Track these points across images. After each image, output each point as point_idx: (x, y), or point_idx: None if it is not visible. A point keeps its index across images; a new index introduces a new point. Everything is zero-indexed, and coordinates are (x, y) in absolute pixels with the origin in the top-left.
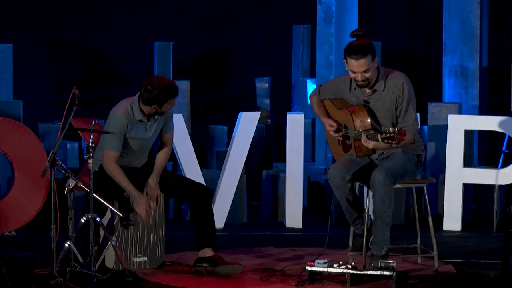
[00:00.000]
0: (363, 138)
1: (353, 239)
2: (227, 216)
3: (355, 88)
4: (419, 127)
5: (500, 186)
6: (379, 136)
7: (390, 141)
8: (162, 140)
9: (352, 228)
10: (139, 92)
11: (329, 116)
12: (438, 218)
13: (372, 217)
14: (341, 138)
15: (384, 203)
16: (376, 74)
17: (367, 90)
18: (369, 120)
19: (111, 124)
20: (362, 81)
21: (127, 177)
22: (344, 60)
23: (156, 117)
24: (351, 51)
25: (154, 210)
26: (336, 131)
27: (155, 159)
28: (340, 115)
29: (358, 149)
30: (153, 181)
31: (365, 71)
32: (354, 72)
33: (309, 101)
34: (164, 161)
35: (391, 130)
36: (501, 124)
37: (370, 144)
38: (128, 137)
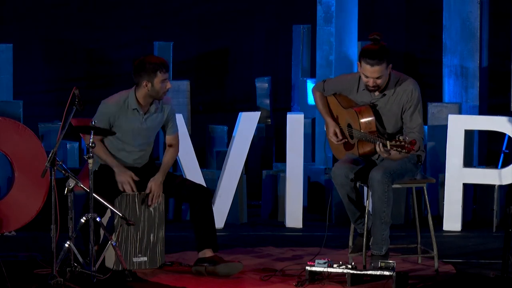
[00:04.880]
0: (377, 148)
1: (353, 239)
2: (227, 216)
3: (363, 89)
4: (424, 131)
5: (500, 186)
6: (388, 142)
7: (399, 149)
8: (167, 142)
9: (352, 228)
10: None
11: (332, 113)
12: (438, 218)
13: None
14: (343, 141)
15: (383, 202)
16: (387, 79)
17: (376, 93)
18: (374, 122)
19: (99, 109)
20: (373, 86)
21: (108, 152)
22: (358, 62)
23: (152, 109)
24: (368, 55)
25: (154, 210)
26: (339, 140)
27: (160, 159)
28: (345, 114)
29: (362, 149)
30: (159, 178)
31: (378, 77)
32: (367, 77)
33: (310, 95)
34: (171, 160)
35: (401, 138)
36: (501, 124)
37: (385, 154)
38: (120, 126)
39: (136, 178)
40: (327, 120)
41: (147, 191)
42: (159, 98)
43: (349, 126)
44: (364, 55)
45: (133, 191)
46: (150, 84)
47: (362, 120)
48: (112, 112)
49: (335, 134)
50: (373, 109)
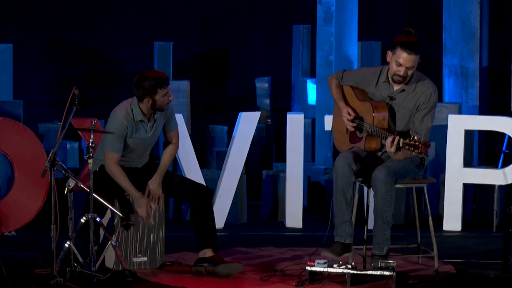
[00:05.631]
0: (389, 140)
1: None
2: (227, 216)
3: (383, 81)
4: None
5: (500, 186)
6: (401, 140)
7: (412, 148)
8: (167, 139)
9: (350, 227)
10: None
11: (346, 103)
12: (438, 218)
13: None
14: (352, 129)
15: (385, 202)
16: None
17: (396, 87)
18: (388, 119)
19: (112, 125)
20: (403, 76)
21: (128, 178)
22: (389, 51)
23: (156, 116)
24: (407, 45)
25: (154, 210)
26: (351, 121)
27: (160, 158)
28: (359, 106)
29: (368, 145)
30: (156, 181)
31: (409, 68)
32: (400, 65)
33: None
34: (169, 161)
35: (416, 138)
36: (501, 124)
37: (392, 149)
38: (129, 139)
39: (154, 207)
40: (340, 104)
41: (146, 195)
42: (163, 110)
43: (360, 119)
44: (402, 43)
45: (152, 223)
46: (152, 101)
47: (376, 115)
48: (125, 126)
49: (348, 113)
50: (389, 105)
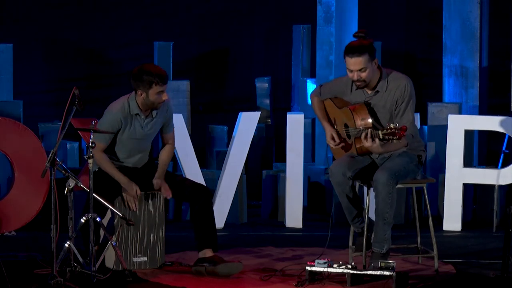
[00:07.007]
0: (362, 136)
1: (353, 240)
2: (227, 216)
3: (356, 89)
4: (416, 129)
5: (500, 186)
6: (379, 132)
7: (391, 136)
8: (163, 141)
9: (352, 228)
10: None
11: (328, 117)
12: (438, 218)
13: (371, 217)
14: (340, 146)
15: (386, 204)
16: (376, 76)
17: (369, 91)
18: (370, 118)
19: (105, 118)
20: (358, 80)
21: (113, 164)
22: (345, 60)
23: (154, 113)
24: (348, 50)
25: (154, 210)
26: (336, 144)
27: (158, 158)
28: (341, 114)
29: (359, 148)
30: (160, 174)
31: (360, 70)
32: (351, 71)
33: (309, 100)
34: (167, 159)
35: (392, 125)
36: (501, 124)
37: (368, 143)
38: (123, 133)
39: (139, 193)
40: (324, 125)
41: (156, 187)
42: (154, 108)
43: (345, 126)
44: (346, 50)
45: (135, 209)
46: (145, 94)
47: (357, 117)
48: (119, 120)
49: (332, 139)
50: (368, 107)
